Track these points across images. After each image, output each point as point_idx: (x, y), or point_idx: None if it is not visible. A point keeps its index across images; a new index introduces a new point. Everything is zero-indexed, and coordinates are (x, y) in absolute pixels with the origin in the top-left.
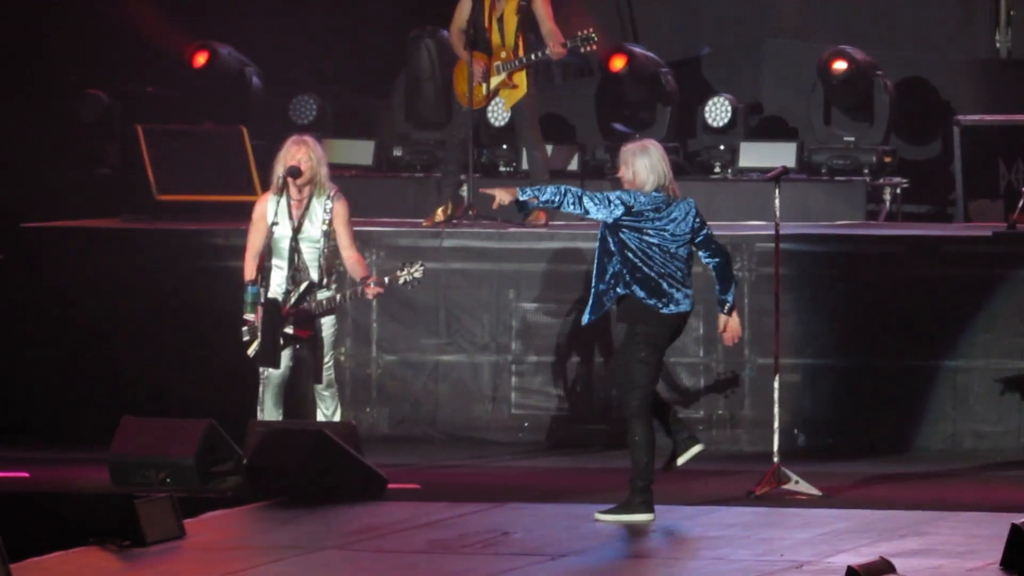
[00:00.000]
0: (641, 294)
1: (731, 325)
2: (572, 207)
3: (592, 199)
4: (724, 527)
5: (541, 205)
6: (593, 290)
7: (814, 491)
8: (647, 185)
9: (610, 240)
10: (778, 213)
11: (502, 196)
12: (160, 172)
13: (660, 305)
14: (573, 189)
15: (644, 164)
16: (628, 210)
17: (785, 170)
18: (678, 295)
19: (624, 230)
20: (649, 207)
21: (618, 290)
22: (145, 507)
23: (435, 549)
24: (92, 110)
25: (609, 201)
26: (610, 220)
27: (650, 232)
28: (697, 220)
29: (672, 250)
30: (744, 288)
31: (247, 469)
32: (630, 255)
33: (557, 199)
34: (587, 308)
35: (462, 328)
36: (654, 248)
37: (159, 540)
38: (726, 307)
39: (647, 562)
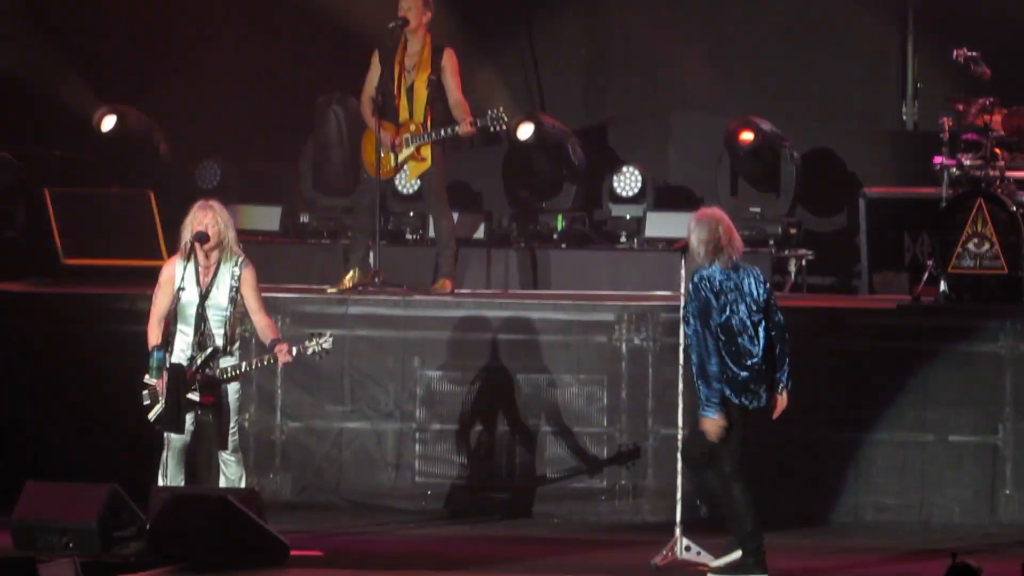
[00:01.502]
0: None
1: (781, 404)
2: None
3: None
4: None
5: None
6: None
7: (715, 561)
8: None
9: None
10: (683, 284)
11: None
12: (67, 236)
13: None
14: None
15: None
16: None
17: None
18: None
19: None
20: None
21: None
22: (48, 571)
23: None
24: (0, 174)
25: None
26: None
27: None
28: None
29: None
30: (649, 358)
31: (150, 534)
32: None
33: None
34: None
35: (367, 395)
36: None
37: None
38: (780, 387)
39: None
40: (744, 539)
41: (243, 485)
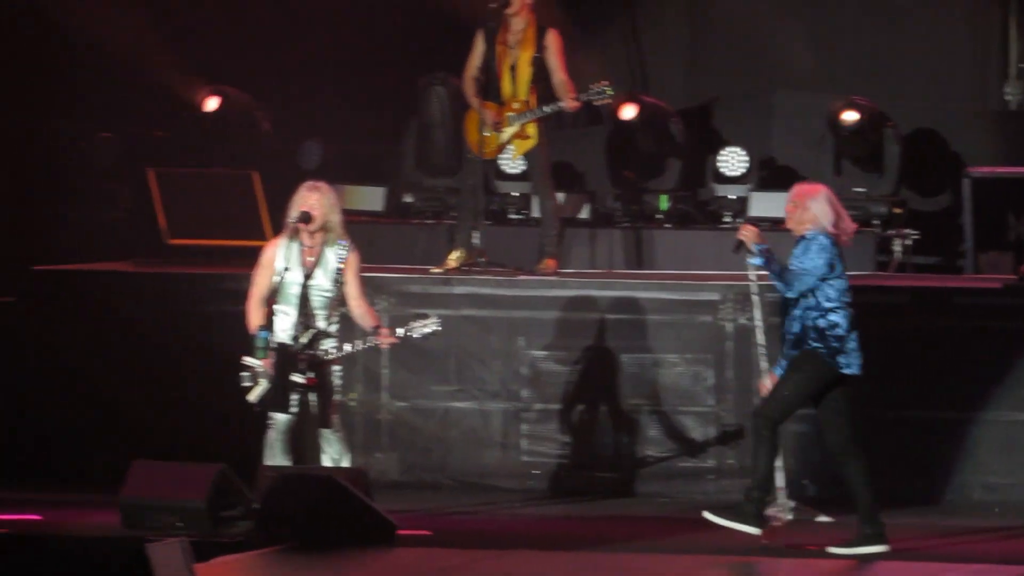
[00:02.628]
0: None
1: None
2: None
3: None
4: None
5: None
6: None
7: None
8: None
9: None
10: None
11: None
12: (171, 216)
13: None
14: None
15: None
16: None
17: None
18: None
19: None
20: None
21: None
22: (156, 551)
23: None
24: (105, 154)
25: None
26: None
27: None
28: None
29: None
30: (754, 338)
31: (258, 514)
32: None
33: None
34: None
35: (472, 375)
36: None
37: None
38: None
39: None
40: (863, 511)
41: (345, 464)
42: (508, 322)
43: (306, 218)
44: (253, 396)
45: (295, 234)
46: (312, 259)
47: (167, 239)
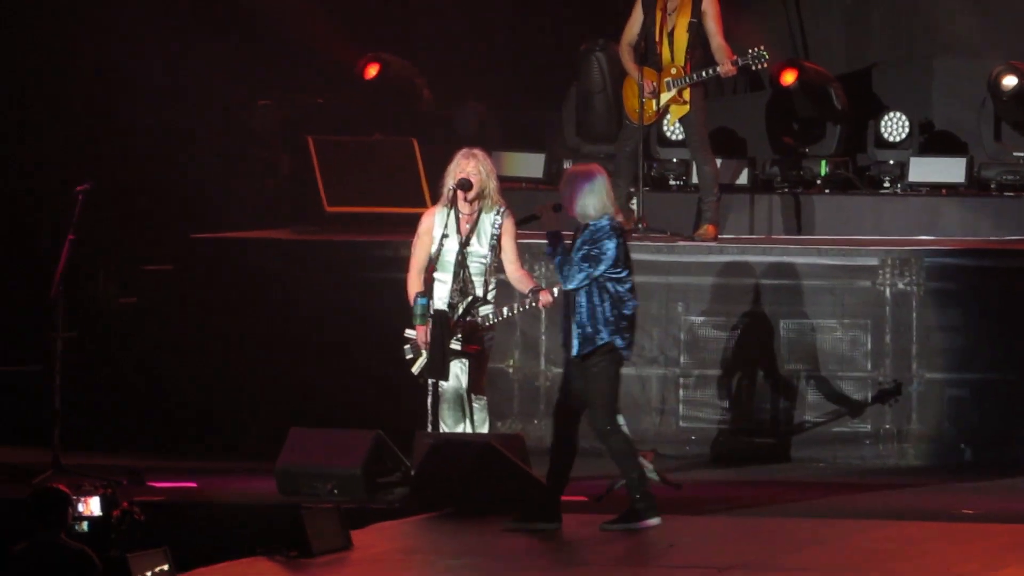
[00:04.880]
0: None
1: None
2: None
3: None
4: (888, 540)
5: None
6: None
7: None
8: (588, 209)
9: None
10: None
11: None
12: (331, 183)
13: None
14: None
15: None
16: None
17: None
18: None
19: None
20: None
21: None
22: (312, 518)
23: (604, 561)
24: (264, 121)
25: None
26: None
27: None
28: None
29: None
30: (912, 302)
31: (414, 480)
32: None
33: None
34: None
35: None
36: None
37: (326, 551)
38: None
39: (814, 574)
40: (632, 484)
41: (485, 430)
42: (666, 288)
43: (465, 185)
44: (416, 368)
45: (452, 201)
46: (469, 226)
47: (326, 207)
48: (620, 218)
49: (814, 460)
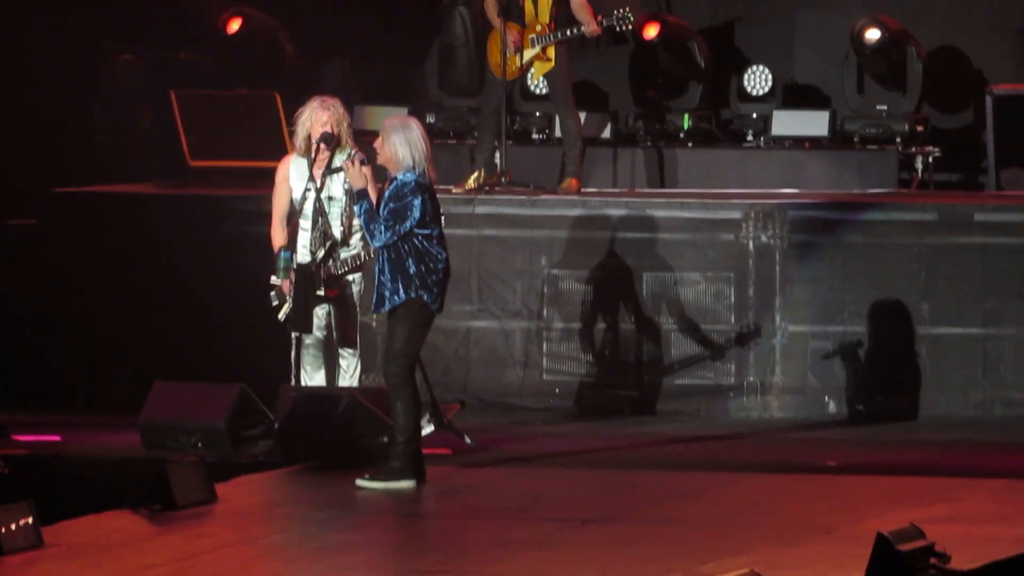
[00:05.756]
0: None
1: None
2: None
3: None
4: (752, 493)
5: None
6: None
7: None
8: (406, 160)
9: None
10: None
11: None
12: (193, 137)
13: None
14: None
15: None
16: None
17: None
18: None
19: None
20: None
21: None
22: (176, 471)
23: (467, 514)
24: (126, 75)
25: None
26: None
27: None
28: None
29: None
30: (776, 256)
31: (278, 434)
32: None
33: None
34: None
35: (494, 294)
36: None
37: (190, 504)
38: None
39: (680, 527)
40: (397, 442)
41: (355, 382)
42: (530, 241)
43: (328, 139)
44: (282, 315)
45: (306, 151)
46: (321, 171)
47: (189, 161)
48: (432, 175)
49: (678, 413)
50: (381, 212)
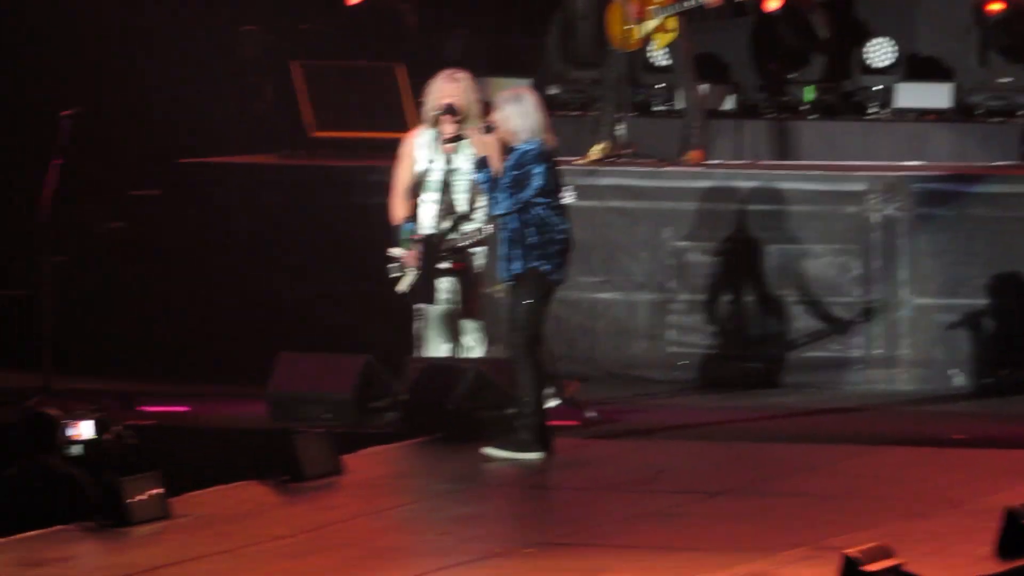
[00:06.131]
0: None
1: None
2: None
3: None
4: (878, 466)
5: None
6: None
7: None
8: (523, 132)
9: None
10: None
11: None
12: (316, 109)
13: None
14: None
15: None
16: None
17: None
18: None
19: None
20: None
21: None
22: (303, 442)
23: (594, 486)
24: (249, 47)
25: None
26: None
27: None
28: None
29: None
30: (900, 228)
31: (405, 405)
32: None
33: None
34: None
35: (619, 266)
36: None
37: (317, 476)
38: None
39: (806, 500)
40: (524, 414)
41: (480, 354)
42: (654, 213)
43: (451, 111)
44: (402, 286)
45: (435, 123)
46: (452, 145)
47: (311, 132)
48: (552, 143)
49: (804, 386)
50: (502, 181)
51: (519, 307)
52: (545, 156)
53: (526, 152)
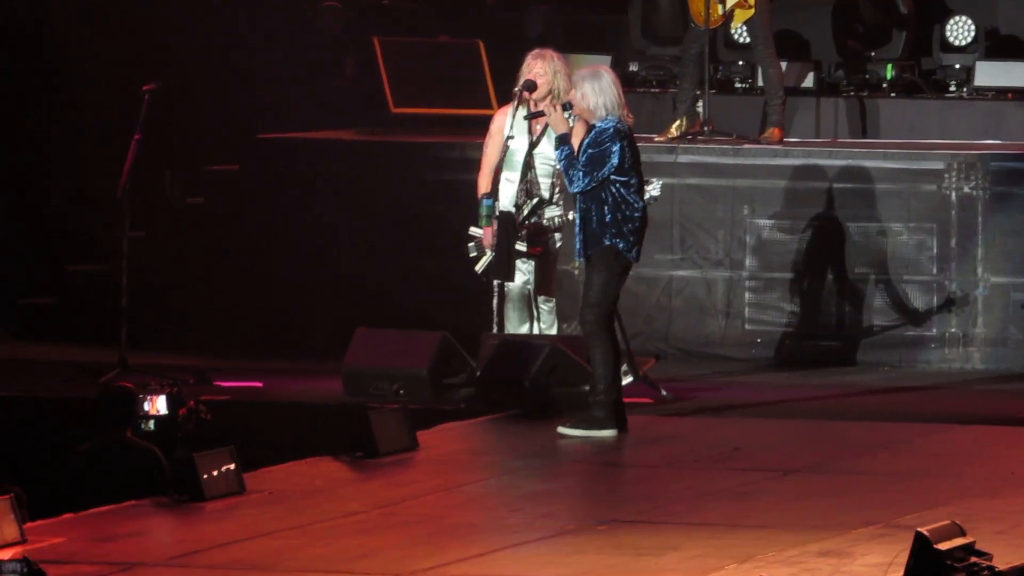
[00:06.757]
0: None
1: None
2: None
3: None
4: (953, 444)
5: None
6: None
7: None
8: (600, 110)
9: None
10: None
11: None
12: (396, 84)
13: None
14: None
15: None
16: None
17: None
18: None
19: None
20: None
21: None
22: (378, 418)
23: (667, 463)
24: (329, 22)
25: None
26: None
27: None
28: None
29: None
30: (979, 206)
31: (480, 381)
32: None
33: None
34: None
35: (696, 244)
36: None
37: (392, 451)
38: None
39: (880, 478)
40: (598, 391)
41: (553, 331)
42: (732, 191)
43: (531, 86)
44: (480, 266)
45: (522, 102)
46: (539, 127)
47: (392, 108)
48: (630, 120)
49: (880, 364)
50: (580, 158)
51: (593, 285)
52: (622, 133)
53: (604, 130)
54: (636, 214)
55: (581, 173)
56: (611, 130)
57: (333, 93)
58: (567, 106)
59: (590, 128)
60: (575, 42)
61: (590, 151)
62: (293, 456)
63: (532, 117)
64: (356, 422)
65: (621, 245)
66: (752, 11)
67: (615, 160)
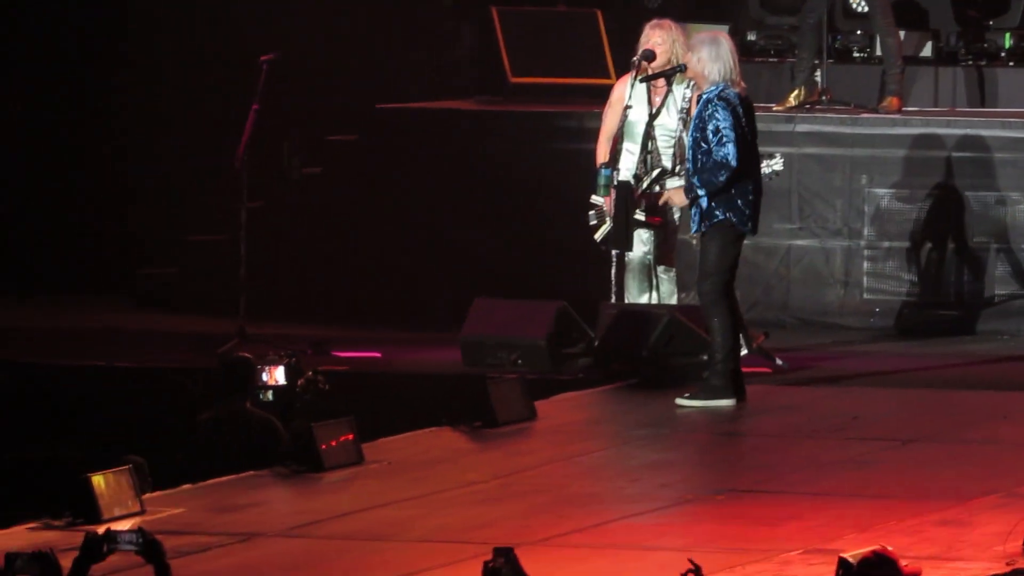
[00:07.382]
0: None
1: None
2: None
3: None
4: None
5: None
6: None
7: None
8: (712, 75)
9: None
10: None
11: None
12: (514, 54)
13: None
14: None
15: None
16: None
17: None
18: None
19: None
20: None
21: None
22: (497, 388)
23: (785, 433)
24: None
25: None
26: None
27: None
28: None
29: None
30: None
31: (598, 351)
32: None
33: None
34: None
35: (815, 213)
36: None
37: (510, 421)
38: None
39: (999, 447)
40: (715, 361)
41: (673, 301)
42: (851, 160)
43: (648, 56)
44: (599, 235)
45: (639, 72)
46: (659, 98)
47: (510, 77)
48: (741, 87)
49: (999, 333)
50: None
51: (710, 255)
52: (726, 101)
53: (710, 99)
54: (750, 185)
55: (717, 148)
56: (715, 98)
57: (451, 63)
58: (682, 67)
59: (699, 97)
60: (693, 12)
61: (712, 124)
62: (412, 426)
63: (646, 80)
64: (475, 392)
65: (735, 219)
66: None
67: (728, 126)
